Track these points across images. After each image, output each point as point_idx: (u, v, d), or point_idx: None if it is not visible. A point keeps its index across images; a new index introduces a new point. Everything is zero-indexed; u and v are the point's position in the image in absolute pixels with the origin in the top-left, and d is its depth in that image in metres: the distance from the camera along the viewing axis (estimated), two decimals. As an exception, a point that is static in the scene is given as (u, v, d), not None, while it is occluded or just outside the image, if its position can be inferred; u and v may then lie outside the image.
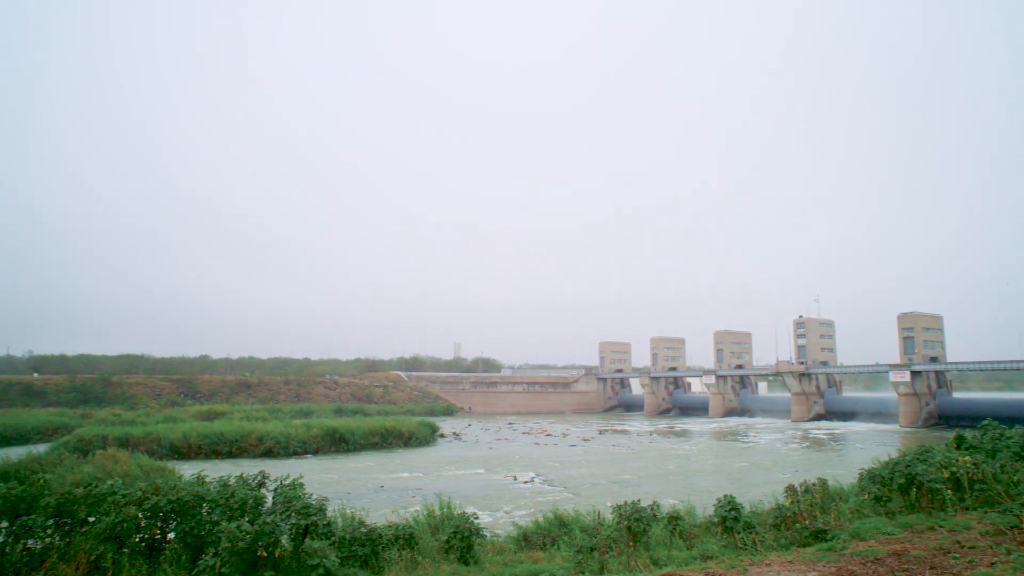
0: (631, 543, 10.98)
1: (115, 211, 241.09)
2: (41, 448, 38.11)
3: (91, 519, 10.44)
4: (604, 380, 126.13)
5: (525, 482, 32.80)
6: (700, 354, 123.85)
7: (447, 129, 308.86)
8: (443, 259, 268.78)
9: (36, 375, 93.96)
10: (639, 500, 11.75)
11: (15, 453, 32.43)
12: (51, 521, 10.32)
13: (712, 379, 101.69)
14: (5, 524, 10.12)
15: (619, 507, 11.56)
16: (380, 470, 37.31)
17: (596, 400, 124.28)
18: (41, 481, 10.96)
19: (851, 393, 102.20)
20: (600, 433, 67.33)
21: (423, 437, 53.78)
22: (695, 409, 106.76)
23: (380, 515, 18.49)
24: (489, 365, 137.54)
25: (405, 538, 11.12)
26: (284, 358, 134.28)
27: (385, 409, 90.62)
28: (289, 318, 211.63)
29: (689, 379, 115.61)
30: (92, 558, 9.82)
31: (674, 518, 11.65)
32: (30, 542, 10.18)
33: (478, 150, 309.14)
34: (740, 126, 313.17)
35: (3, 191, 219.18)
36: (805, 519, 11.45)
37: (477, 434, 65.48)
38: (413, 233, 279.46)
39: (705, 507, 14.81)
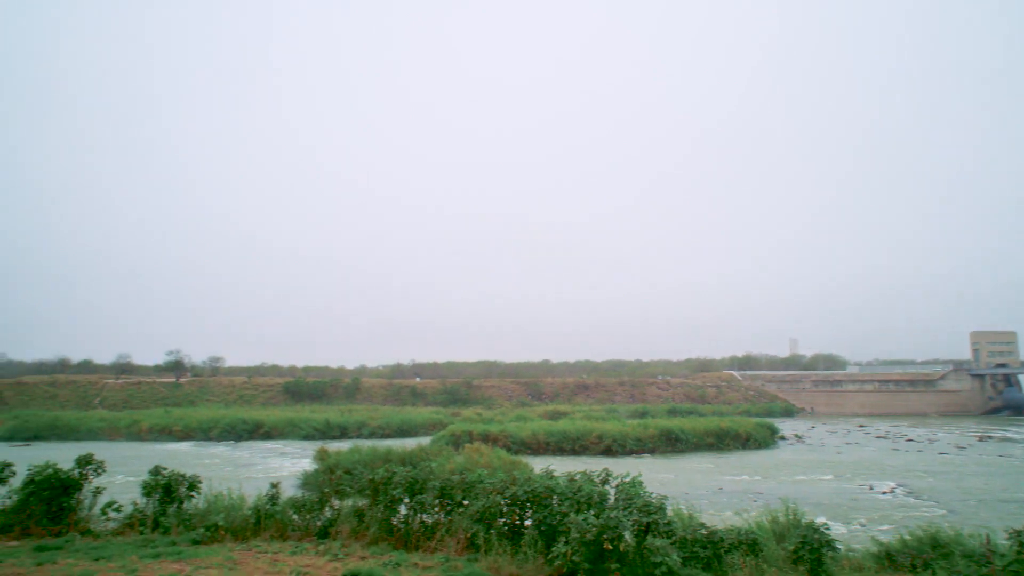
0: (1037, 577, 9.05)
1: (448, 241, 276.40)
2: (425, 440, 45.54)
3: (465, 502, 12.23)
4: (981, 377, 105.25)
5: (884, 492, 29.05)
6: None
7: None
8: (784, 255, 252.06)
9: (418, 379, 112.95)
10: (1047, 525, 9.62)
11: (408, 443, 39.59)
12: (436, 501, 12.36)
13: None
14: (407, 500, 12.44)
15: (1018, 532, 9.61)
16: (716, 471, 36.50)
17: (970, 401, 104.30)
18: (428, 468, 13.21)
19: None
20: (979, 440, 56.32)
21: (761, 439, 51.09)
22: None
23: (719, 518, 18.13)
24: (831, 362, 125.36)
25: (748, 543, 10.75)
26: (617, 360, 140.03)
27: (719, 409, 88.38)
28: (621, 322, 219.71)
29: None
30: (468, 535, 11.50)
31: (1104, 553, 9.23)
32: (424, 516, 12.38)
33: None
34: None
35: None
36: None
37: (822, 436, 59.98)
38: (743, 229, 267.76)
39: None
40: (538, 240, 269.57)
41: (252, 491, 14.95)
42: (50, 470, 13.17)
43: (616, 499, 11.55)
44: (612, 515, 9.93)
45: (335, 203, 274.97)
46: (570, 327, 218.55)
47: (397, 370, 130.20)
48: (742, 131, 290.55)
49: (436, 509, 12.37)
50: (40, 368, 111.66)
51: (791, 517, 13.92)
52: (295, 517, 13.00)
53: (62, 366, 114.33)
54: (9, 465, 13.95)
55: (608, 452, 45.14)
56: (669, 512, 11.24)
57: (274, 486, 13.74)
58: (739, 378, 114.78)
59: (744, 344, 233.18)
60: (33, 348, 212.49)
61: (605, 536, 9.66)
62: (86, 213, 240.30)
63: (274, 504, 13.15)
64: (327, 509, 13.11)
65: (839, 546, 11.00)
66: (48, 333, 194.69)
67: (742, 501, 26.16)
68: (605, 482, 12.55)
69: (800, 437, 58.29)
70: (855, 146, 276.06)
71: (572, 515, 10.47)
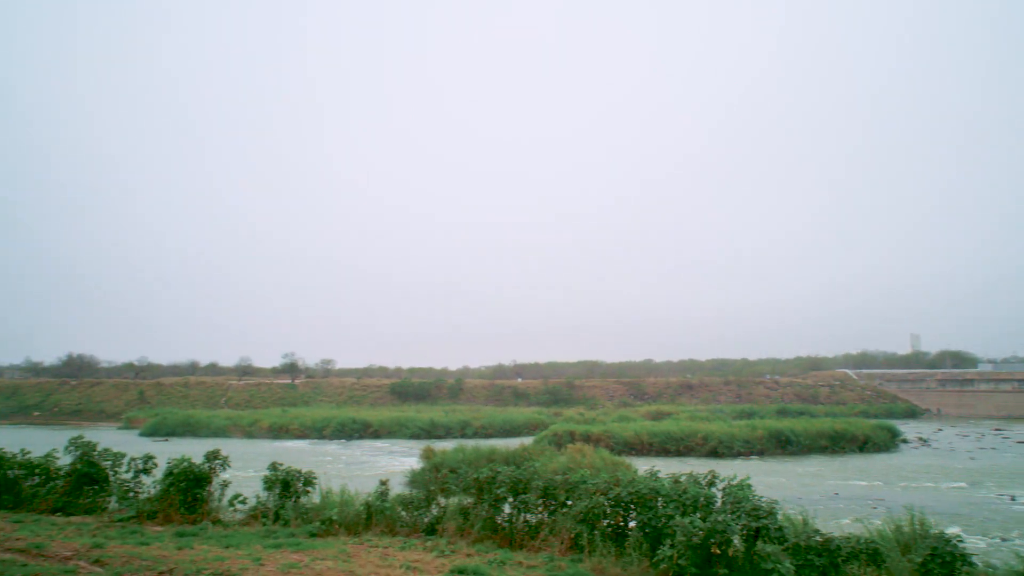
0: None
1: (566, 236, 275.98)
2: (527, 440, 45.87)
3: (568, 503, 12.23)
4: None
5: (1027, 503, 26.58)
6: None
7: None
8: (905, 246, 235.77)
9: (519, 380, 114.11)
10: None
11: (511, 443, 40.06)
12: (540, 501, 12.44)
13: None
14: (511, 499, 12.60)
15: None
16: (831, 475, 34.65)
17: None
18: (531, 468, 13.31)
19: None
20: None
21: (880, 442, 47.98)
22: None
23: (835, 525, 17.21)
24: (959, 359, 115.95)
25: (868, 553, 10.11)
26: (722, 359, 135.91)
27: (832, 410, 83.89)
28: (725, 320, 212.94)
29: None
30: (572, 535, 11.50)
31: None
32: (527, 516, 12.49)
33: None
34: None
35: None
36: None
37: (951, 440, 55.60)
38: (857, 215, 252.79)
39: None
40: (639, 240, 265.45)
41: (362, 488, 15.62)
42: (185, 463, 14.33)
43: (723, 502, 11.19)
44: (720, 518, 9.66)
45: (425, 225, 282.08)
46: (673, 326, 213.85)
47: (499, 371, 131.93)
48: (850, 117, 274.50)
49: (539, 509, 12.44)
50: (175, 370, 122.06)
51: (917, 527, 12.93)
52: (403, 514, 13.46)
53: (193, 368, 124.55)
54: (152, 458, 15.39)
55: (714, 454, 43.85)
56: (780, 517, 10.75)
57: (383, 483, 14.28)
58: (854, 377, 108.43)
59: (858, 341, 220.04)
60: (169, 352, 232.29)
61: (713, 540, 9.41)
62: (213, 233, 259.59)
63: (384, 501, 13.67)
64: (433, 507, 13.49)
65: (975, 561, 10.16)
66: (181, 338, 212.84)
67: (860, 508, 24.70)
68: (711, 484, 12.18)
69: (925, 441, 54.27)
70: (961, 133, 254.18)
71: (678, 517, 10.25)
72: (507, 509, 12.73)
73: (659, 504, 11.18)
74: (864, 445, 46.85)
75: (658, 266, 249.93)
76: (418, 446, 45.35)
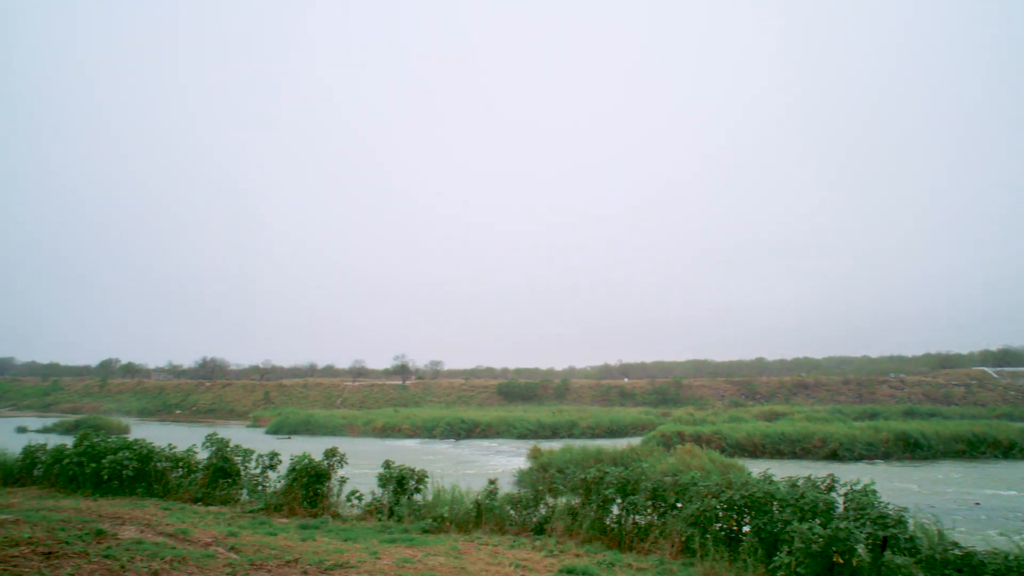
0: None
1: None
2: (634, 440, 45.22)
3: (678, 505, 11.99)
4: None
5: None
6: None
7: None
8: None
9: (626, 380, 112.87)
10: None
11: (618, 443, 39.66)
12: (649, 502, 12.27)
13: None
14: (619, 500, 12.52)
15: None
16: (969, 483, 31.89)
17: None
18: (639, 469, 13.16)
19: None
20: None
21: (1029, 448, 43.64)
22: None
23: (979, 537, 15.86)
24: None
25: (1019, 571, 9.18)
26: (840, 357, 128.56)
27: (969, 412, 77.27)
28: (843, 317, 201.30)
29: None
30: (683, 538, 11.27)
31: None
32: (636, 517, 12.35)
33: None
34: None
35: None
36: None
37: (1115, 447, 49.66)
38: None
39: None
40: (749, 237, 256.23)
41: (472, 486, 15.97)
42: (306, 460, 15.22)
43: (845, 508, 10.58)
44: (842, 525, 9.16)
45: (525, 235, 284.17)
46: (786, 323, 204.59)
47: (605, 371, 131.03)
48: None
49: (648, 510, 12.27)
50: (295, 372, 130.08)
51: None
52: (512, 513, 13.66)
53: (311, 370, 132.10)
54: (277, 455, 16.47)
55: (833, 457, 41.51)
56: (911, 526, 10.02)
57: (492, 483, 14.55)
58: (994, 375, 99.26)
59: (999, 336, 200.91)
60: (291, 355, 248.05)
61: (834, 548, 8.94)
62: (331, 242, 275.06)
63: (493, 500, 13.92)
64: (541, 506, 13.60)
65: None
66: (302, 342, 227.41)
67: (1007, 520, 22.61)
68: (831, 489, 11.56)
69: (1084, 446, 48.78)
70: None
71: (795, 523, 9.81)
72: (615, 510, 12.65)
73: (775, 508, 10.73)
74: (1009, 451, 42.71)
75: (763, 262, 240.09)
76: (525, 446, 45.76)
